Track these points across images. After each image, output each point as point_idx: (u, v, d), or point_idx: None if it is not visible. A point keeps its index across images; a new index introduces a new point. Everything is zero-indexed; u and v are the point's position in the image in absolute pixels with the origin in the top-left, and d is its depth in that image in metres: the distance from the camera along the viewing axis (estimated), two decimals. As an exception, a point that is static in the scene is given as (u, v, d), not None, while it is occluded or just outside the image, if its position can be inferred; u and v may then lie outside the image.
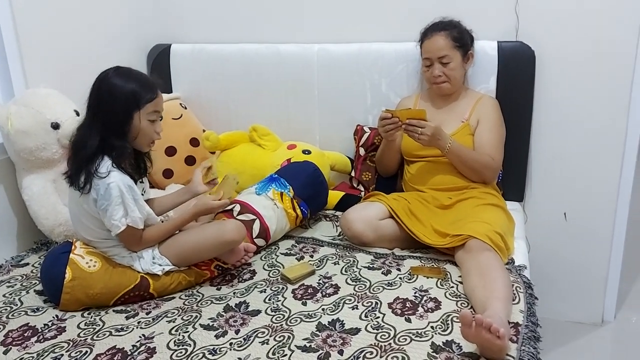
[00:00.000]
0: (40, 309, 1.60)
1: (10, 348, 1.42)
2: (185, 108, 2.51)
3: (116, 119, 1.55)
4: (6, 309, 1.60)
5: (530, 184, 2.28)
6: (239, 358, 1.34)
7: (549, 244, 2.30)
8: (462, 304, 1.53)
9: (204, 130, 2.45)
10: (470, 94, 2.12)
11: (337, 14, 2.36)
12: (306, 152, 2.28)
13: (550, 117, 2.18)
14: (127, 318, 1.55)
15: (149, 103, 1.58)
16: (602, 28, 2.04)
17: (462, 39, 2.03)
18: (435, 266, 1.75)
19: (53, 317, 1.56)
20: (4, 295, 1.68)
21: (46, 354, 1.40)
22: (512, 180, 2.20)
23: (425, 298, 1.56)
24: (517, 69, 2.13)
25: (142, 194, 1.69)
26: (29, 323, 1.53)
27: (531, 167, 2.25)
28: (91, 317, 1.56)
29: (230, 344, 1.40)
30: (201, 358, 1.35)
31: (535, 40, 2.11)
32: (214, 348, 1.38)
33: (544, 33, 2.11)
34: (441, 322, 1.45)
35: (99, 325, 1.52)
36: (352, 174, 2.33)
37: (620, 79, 2.07)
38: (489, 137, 2.02)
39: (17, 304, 1.63)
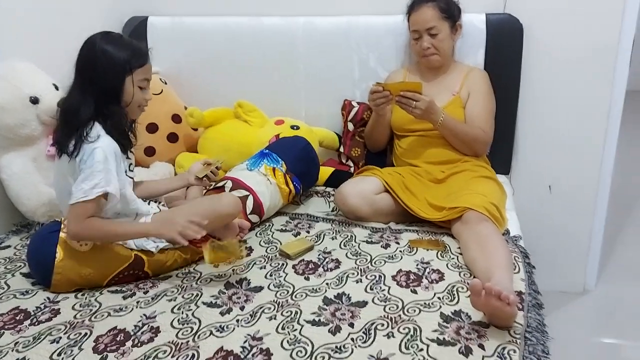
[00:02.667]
0: (30, 292, 1.53)
1: (3, 332, 1.35)
2: (165, 83, 2.42)
3: (110, 84, 1.50)
4: (-8, 293, 1.53)
5: (516, 158, 2.30)
6: (248, 334, 1.31)
7: (533, 216, 2.32)
8: (465, 275, 1.54)
9: (185, 107, 2.38)
10: (459, 67, 2.12)
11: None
12: (295, 127, 2.23)
13: (537, 90, 2.20)
14: (124, 298, 1.49)
15: (139, 68, 1.54)
16: (589, 4, 2.05)
17: (450, 10, 2.02)
18: (433, 238, 1.75)
19: (45, 299, 1.49)
20: (-13, 279, 1.60)
21: (43, 336, 1.33)
22: (499, 153, 2.22)
23: (428, 270, 1.56)
24: (505, 42, 2.14)
25: (131, 170, 1.63)
26: (19, 306, 1.46)
27: (517, 140, 2.28)
28: (86, 298, 1.49)
29: (237, 320, 1.37)
30: (209, 335, 1.31)
31: (523, 12, 2.11)
32: (220, 325, 1.35)
33: (532, 6, 2.11)
34: (447, 292, 1.45)
35: (96, 306, 1.45)
36: (341, 149, 2.30)
37: (605, 52, 2.10)
38: (480, 109, 2.02)
39: (3, 288, 1.55)
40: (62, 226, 1.55)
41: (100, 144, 1.47)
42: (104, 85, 1.50)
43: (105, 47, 1.50)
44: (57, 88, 1.90)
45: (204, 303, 1.44)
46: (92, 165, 1.46)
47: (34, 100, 1.83)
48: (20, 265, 1.67)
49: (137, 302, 1.46)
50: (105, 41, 1.51)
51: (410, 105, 1.87)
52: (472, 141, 1.99)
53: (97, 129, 1.49)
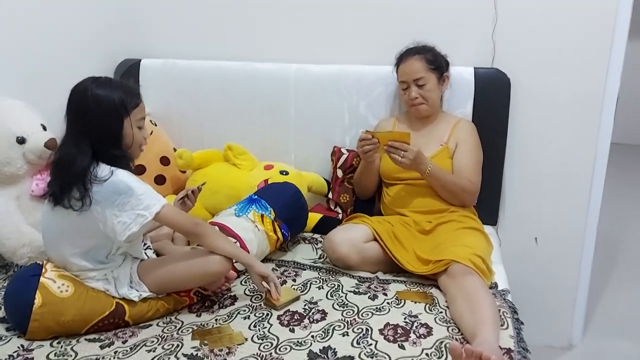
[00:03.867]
0: (3, 338, 1.47)
1: (-28, 383, 1.30)
2: (156, 125, 2.42)
3: (108, 129, 1.48)
4: (-36, 339, 1.46)
5: (503, 208, 2.31)
6: (229, 390, 1.27)
7: (519, 268, 2.33)
8: (453, 330, 1.52)
9: (174, 149, 2.37)
10: (447, 118, 2.14)
11: (315, 35, 2.35)
12: (284, 172, 2.23)
13: (524, 142, 2.23)
14: (101, 347, 1.44)
15: (135, 108, 1.53)
16: (574, 55, 2.11)
17: (437, 62, 2.06)
18: (421, 291, 1.73)
19: (18, 347, 1.43)
20: (-40, 324, 1.54)
21: (14, 389, 1.28)
22: (486, 203, 2.22)
23: (416, 324, 1.53)
24: (493, 95, 2.17)
25: None
26: (-9, 354, 1.40)
27: (504, 191, 2.29)
28: (61, 347, 1.44)
29: (219, 374, 1.32)
30: (189, 391, 1.27)
31: (511, 67, 2.16)
32: (201, 379, 1.30)
33: (519, 60, 2.16)
34: (435, 349, 1.42)
35: (71, 355, 1.40)
36: (330, 195, 2.30)
37: (590, 104, 2.14)
38: (467, 160, 2.04)
39: (-24, 333, 1.49)
40: (43, 270, 1.51)
41: (119, 176, 1.45)
42: (102, 132, 1.47)
43: (97, 93, 1.47)
44: (44, 128, 1.88)
45: (184, 355, 1.40)
46: (129, 190, 1.44)
47: (21, 140, 1.81)
48: (-5, 309, 1.61)
49: (115, 352, 1.41)
50: (96, 86, 1.49)
51: (398, 155, 1.87)
52: (460, 191, 1.99)
53: (104, 167, 1.46)
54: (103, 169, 1.46)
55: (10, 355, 1.40)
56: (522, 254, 2.34)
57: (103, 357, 1.39)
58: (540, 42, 2.13)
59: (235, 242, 1.78)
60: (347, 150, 2.28)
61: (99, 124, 1.47)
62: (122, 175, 1.46)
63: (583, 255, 2.31)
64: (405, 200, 2.05)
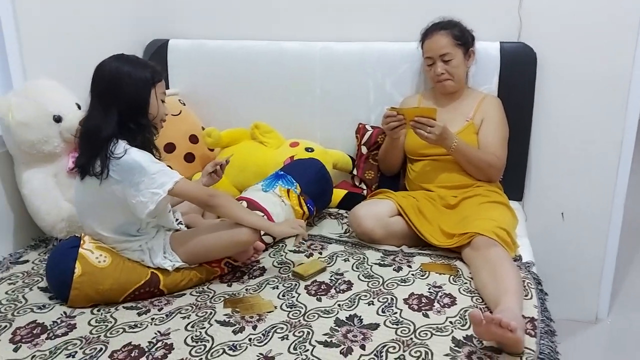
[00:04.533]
0: (47, 306, 1.56)
1: (20, 345, 1.38)
2: (184, 104, 2.47)
3: (138, 98, 1.56)
4: (10, 306, 1.55)
5: (529, 184, 2.31)
6: (260, 354, 1.32)
7: (546, 243, 2.33)
8: (477, 299, 1.55)
9: (203, 128, 2.42)
10: (473, 93, 2.15)
11: (341, 13, 2.36)
12: (309, 149, 2.27)
13: (550, 117, 2.22)
14: (139, 314, 1.51)
15: (159, 82, 1.62)
16: (603, 31, 2.09)
17: (463, 37, 2.05)
18: (445, 263, 1.76)
19: (61, 314, 1.51)
20: (6, 293, 1.63)
21: (59, 351, 1.35)
22: (512, 179, 2.23)
23: (440, 294, 1.57)
24: (519, 70, 2.16)
25: None
26: (36, 320, 1.48)
27: (530, 166, 2.29)
28: (101, 314, 1.52)
29: (250, 339, 1.38)
30: (222, 354, 1.33)
31: (537, 41, 2.14)
32: (233, 344, 1.36)
33: (546, 35, 2.14)
34: (459, 317, 1.46)
35: (111, 322, 1.48)
36: (354, 172, 2.33)
37: (618, 82, 2.12)
38: (493, 136, 2.04)
39: (21, 301, 1.58)
40: (81, 242, 1.59)
41: (134, 153, 1.52)
42: (132, 99, 1.55)
43: (127, 67, 1.56)
44: (79, 107, 1.95)
45: (217, 321, 1.46)
46: (143, 170, 1.50)
47: (58, 119, 1.88)
48: (38, 280, 1.70)
49: (152, 319, 1.48)
50: (125, 62, 1.58)
51: (424, 131, 1.89)
52: (486, 166, 2.00)
53: (122, 145, 1.53)
54: (119, 147, 1.52)
55: (54, 322, 1.48)
56: (548, 229, 2.34)
57: (141, 323, 1.46)
58: (568, 17, 2.11)
59: (263, 216, 1.83)
60: (372, 127, 2.30)
61: (130, 91, 1.55)
62: (135, 155, 1.52)
63: (610, 230, 2.30)
64: (430, 176, 2.07)
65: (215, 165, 1.83)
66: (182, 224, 1.80)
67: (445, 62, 2.04)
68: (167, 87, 2.53)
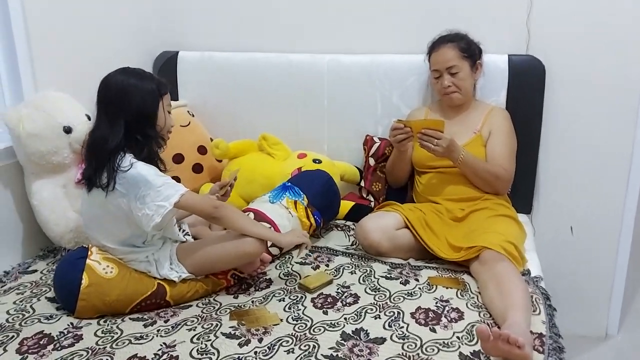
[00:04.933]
0: (54, 317, 1.56)
1: (27, 356, 1.38)
2: (193, 116, 2.49)
3: (146, 108, 1.58)
4: (18, 316, 1.56)
5: (538, 197, 2.30)
6: (265, 367, 1.32)
7: (554, 257, 2.32)
8: (485, 314, 1.53)
9: (211, 139, 2.43)
10: (481, 106, 2.14)
11: (348, 25, 2.37)
12: (317, 161, 2.27)
13: (559, 130, 2.22)
14: (145, 326, 1.51)
15: (165, 94, 1.63)
16: (611, 42, 2.08)
17: (470, 50, 2.06)
18: (453, 277, 1.74)
19: (68, 325, 1.52)
20: (14, 303, 1.64)
21: (65, 362, 1.36)
22: (520, 192, 2.22)
23: (447, 308, 1.56)
24: (527, 83, 2.16)
25: None
26: (43, 331, 1.49)
27: (539, 179, 2.28)
28: (108, 325, 1.52)
29: (255, 352, 1.37)
30: (227, 367, 1.32)
31: (546, 54, 2.14)
32: (239, 357, 1.36)
33: (554, 47, 2.14)
34: (466, 332, 1.44)
35: (117, 333, 1.48)
36: (362, 184, 2.33)
37: (628, 93, 2.12)
38: (501, 148, 2.03)
39: (29, 311, 1.59)
40: (89, 252, 1.59)
41: (140, 167, 1.53)
42: (140, 111, 1.57)
43: (133, 78, 1.58)
44: (89, 118, 1.97)
45: (223, 334, 1.45)
46: (148, 183, 1.51)
47: (67, 130, 1.90)
48: (46, 290, 1.71)
49: (158, 331, 1.48)
50: (130, 74, 1.60)
51: (431, 143, 1.89)
52: (493, 179, 1.99)
53: (128, 158, 1.54)
54: (125, 160, 1.53)
55: (61, 332, 1.48)
56: (557, 243, 2.32)
57: (147, 335, 1.46)
58: (576, 28, 2.11)
59: (270, 228, 1.83)
60: (380, 138, 2.30)
61: (138, 103, 1.56)
62: (141, 169, 1.53)
63: (620, 244, 2.28)
64: (437, 188, 2.07)
65: (222, 186, 1.84)
66: (189, 234, 1.80)
67: (452, 75, 2.04)
68: (177, 99, 2.55)
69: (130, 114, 1.55)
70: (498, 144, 2.04)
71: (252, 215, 1.89)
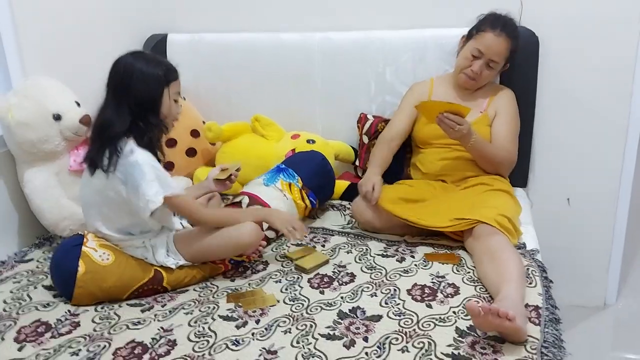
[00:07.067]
0: (51, 304, 1.56)
1: (25, 344, 1.39)
2: (184, 99, 2.46)
3: (150, 96, 1.55)
4: (15, 305, 1.56)
5: (533, 170, 2.29)
6: (263, 348, 1.32)
7: (552, 229, 2.30)
8: (480, 289, 1.54)
9: (203, 122, 2.41)
10: (487, 85, 2.09)
11: (339, 1, 2.33)
12: (310, 141, 2.25)
13: (554, 103, 2.19)
14: (142, 311, 1.52)
15: (173, 82, 1.60)
16: (606, 13, 2.05)
17: (515, 52, 2.01)
18: (448, 252, 1.74)
19: (65, 312, 1.52)
20: (11, 291, 1.64)
21: (63, 349, 1.36)
22: (516, 166, 2.18)
23: (443, 284, 1.56)
24: (521, 55, 2.12)
25: None
26: (40, 319, 1.49)
27: (534, 153, 2.27)
28: (105, 311, 1.52)
29: (252, 334, 1.38)
30: (224, 349, 1.33)
31: (539, 26, 2.11)
32: (236, 339, 1.36)
33: (548, 18, 2.11)
34: (462, 307, 1.45)
35: (115, 319, 1.48)
36: (356, 163, 2.32)
37: (623, 66, 2.09)
38: (506, 130, 2.01)
39: (25, 300, 1.59)
40: (85, 240, 1.59)
41: (140, 156, 1.52)
42: (144, 97, 1.54)
43: (141, 63, 1.56)
44: (79, 105, 1.95)
45: (220, 316, 1.46)
46: (143, 175, 1.50)
47: (57, 117, 1.88)
48: (43, 278, 1.71)
49: (155, 315, 1.49)
50: (140, 58, 1.57)
51: (452, 128, 1.81)
52: (498, 162, 1.98)
53: (130, 144, 1.52)
54: (127, 145, 1.52)
55: (58, 319, 1.49)
56: (554, 216, 2.32)
57: (144, 320, 1.47)
58: (570, 0, 2.07)
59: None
60: (374, 116, 2.28)
61: (140, 88, 1.54)
62: (141, 157, 1.51)
63: (617, 214, 2.27)
64: (436, 164, 2.05)
65: (223, 169, 1.82)
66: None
67: (487, 66, 1.98)
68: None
69: (133, 99, 1.53)
70: (504, 125, 2.01)
71: (246, 199, 1.88)
